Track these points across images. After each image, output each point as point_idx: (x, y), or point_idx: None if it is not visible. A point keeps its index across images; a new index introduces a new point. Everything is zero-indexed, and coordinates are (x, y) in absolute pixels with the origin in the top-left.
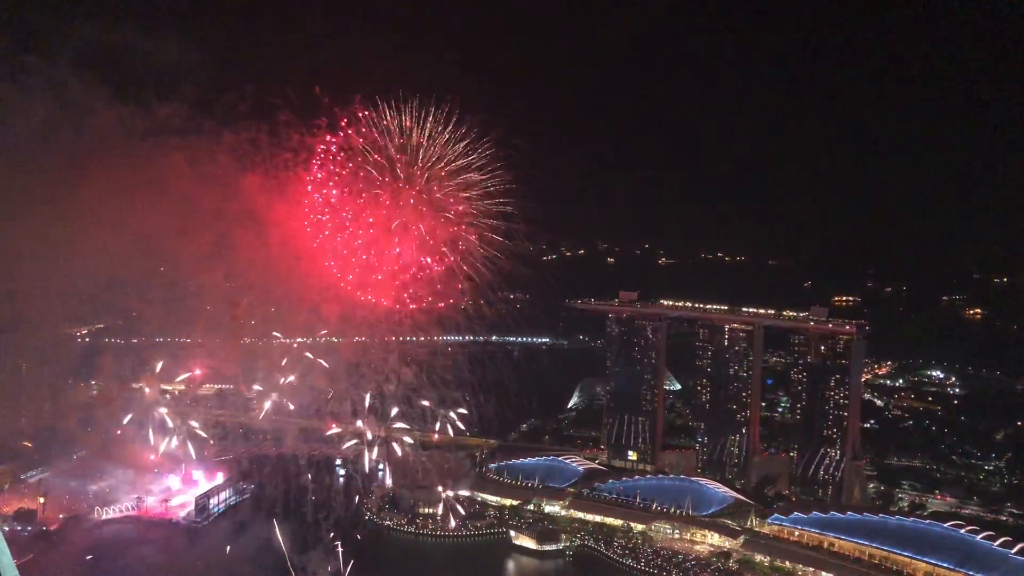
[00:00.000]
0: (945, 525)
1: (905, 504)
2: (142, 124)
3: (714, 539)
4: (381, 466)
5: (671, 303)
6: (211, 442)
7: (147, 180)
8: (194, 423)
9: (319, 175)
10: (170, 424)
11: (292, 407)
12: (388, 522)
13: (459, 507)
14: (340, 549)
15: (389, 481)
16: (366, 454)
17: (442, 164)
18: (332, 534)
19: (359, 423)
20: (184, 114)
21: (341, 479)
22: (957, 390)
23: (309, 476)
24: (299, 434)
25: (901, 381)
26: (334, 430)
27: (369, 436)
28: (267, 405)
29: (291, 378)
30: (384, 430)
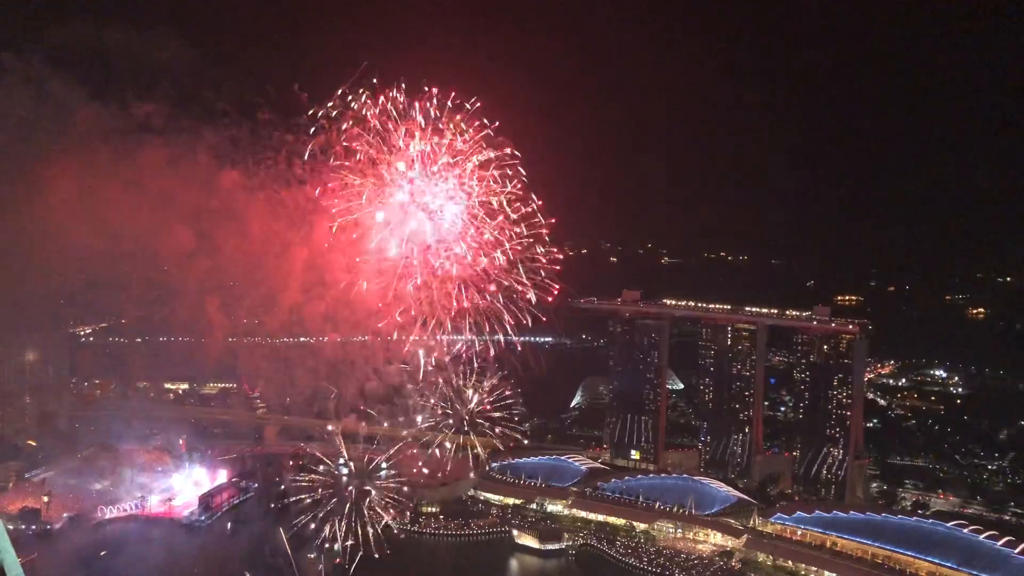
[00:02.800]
0: (948, 525)
1: (908, 503)
2: (122, 122)
3: (717, 538)
4: (384, 464)
5: (674, 302)
6: (186, 440)
7: (128, 178)
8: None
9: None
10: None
11: (289, 405)
12: (390, 520)
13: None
14: (341, 547)
15: (390, 479)
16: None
17: (435, 158)
18: (332, 532)
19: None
20: (164, 112)
21: (344, 477)
22: (960, 389)
23: (306, 474)
24: (284, 432)
25: (904, 380)
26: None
27: (362, 435)
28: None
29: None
30: (367, 428)
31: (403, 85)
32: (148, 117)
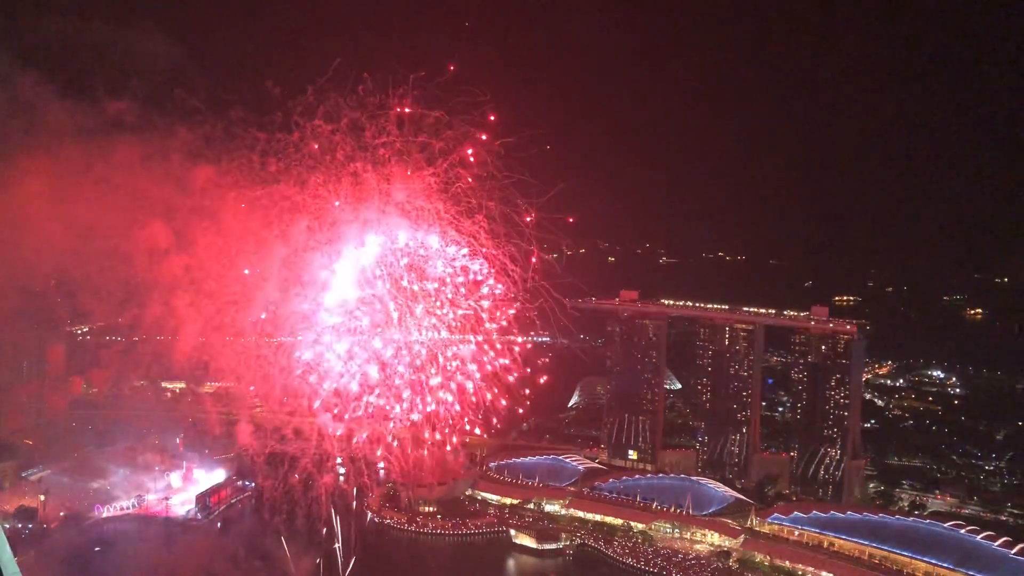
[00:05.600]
0: (945, 525)
1: (905, 504)
2: (93, 120)
3: (714, 538)
4: (381, 464)
5: (672, 302)
6: (183, 439)
7: (99, 176)
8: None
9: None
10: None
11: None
12: (388, 520)
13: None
14: (339, 547)
15: (389, 479)
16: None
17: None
18: (332, 532)
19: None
20: (137, 109)
21: (341, 477)
22: (957, 390)
23: (305, 474)
24: (259, 431)
25: (901, 381)
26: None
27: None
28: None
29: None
30: (350, 427)
31: (384, 80)
32: (120, 114)
